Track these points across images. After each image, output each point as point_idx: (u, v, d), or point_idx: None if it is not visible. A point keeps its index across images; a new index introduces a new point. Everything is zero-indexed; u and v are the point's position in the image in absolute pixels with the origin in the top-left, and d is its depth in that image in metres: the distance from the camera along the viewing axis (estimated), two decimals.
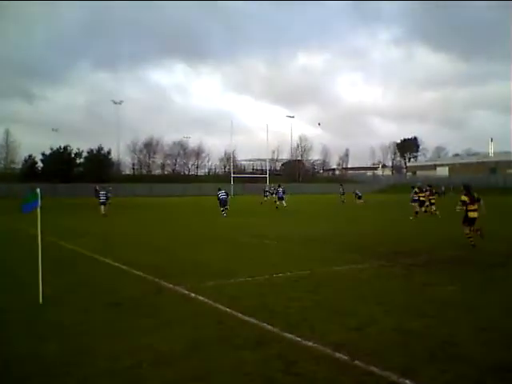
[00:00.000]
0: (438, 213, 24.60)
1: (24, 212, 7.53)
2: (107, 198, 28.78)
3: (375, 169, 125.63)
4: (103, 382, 4.36)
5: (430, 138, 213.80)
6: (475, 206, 13.25)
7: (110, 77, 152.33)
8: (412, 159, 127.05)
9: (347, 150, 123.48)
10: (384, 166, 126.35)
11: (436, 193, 30.75)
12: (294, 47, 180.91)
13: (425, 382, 4.21)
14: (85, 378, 4.45)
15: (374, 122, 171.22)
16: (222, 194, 26.92)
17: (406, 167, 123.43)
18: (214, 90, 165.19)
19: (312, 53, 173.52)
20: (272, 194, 40.40)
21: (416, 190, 25.63)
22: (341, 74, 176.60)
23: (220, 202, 26.87)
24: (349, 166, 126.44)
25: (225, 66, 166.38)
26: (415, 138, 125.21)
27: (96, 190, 29.88)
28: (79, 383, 4.34)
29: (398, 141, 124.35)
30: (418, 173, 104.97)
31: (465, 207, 13.33)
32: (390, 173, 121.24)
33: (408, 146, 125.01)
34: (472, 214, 13.24)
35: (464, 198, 13.30)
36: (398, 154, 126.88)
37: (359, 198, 40.96)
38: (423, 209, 25.53)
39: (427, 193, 26.09)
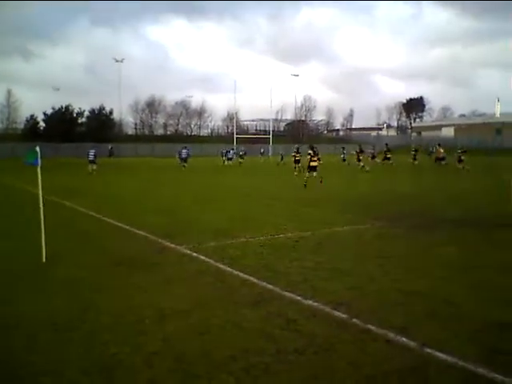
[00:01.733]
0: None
1: (26, 164, 7.56)
2: (95, 157, 29.77)
3: (380, 129, 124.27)
4: (108, 336, 4.47)
5: (437, 98, 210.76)
6: (315, 159, 20.98)
7: (110, 34, 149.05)
8: (417, 119, 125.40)
9: (352, 110, 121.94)
10: (389, 127, 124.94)
11: (362, 151, 33.38)
12: (298, 1, 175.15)
13: (422, 339, 4.29)
14: (90, 332, 4.57)
15: (380, 81, 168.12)
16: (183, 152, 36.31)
17: (412, 128, 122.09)
18: (216, 47, 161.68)
19: (317, 7, 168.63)
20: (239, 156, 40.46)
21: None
22: (346, 31, 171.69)
23: (180, 159, 36.10)
24: (353, 126, 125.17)
25: (227, 21, 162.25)
26: (421, 98, 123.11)
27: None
28: (85, 337, 4.46)
29: (404, 101, 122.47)
30: (423, 133, 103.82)
31: (309, 158, 20.97)
32: (395, 133, 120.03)
33: (414, 106, 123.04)
34: (313, 164, 20.96)
35: (310, 152, 21.11)
36: (404, 114, 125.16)
37: (373, 157, 36.94)
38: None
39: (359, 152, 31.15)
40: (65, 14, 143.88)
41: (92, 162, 29.22)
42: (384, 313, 5.05)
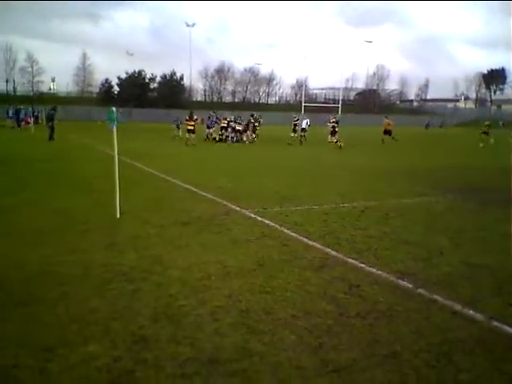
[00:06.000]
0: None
1: (110, 129, 7.90)
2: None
3: (457, 101, 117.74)
4: (175, 289, 4.69)
5: None
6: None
7: None
8: (498, 92, 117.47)
9: (427, 80, 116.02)
10: (467, 99, 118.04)
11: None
12: None
13: (489, 313, 4.15)
14: (158, 284, 4.80)
15: (458, 49, 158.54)
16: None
17: (491, 100, 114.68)
18: (284, 10, 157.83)
19: None
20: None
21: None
22: None
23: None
24: (428, 97, 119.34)
25: None
26: (503, 69, 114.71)
27: (210, 116, 30.82)
28: (154, 288, 4.70)
29: (485, 71, 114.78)
30: (504, 107, 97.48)
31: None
32: (473, 106, 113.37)
33: (495, 78, 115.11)
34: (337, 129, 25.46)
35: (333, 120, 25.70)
36: (484, 85, 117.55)
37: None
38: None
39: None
40: None
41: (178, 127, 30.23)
42: (451, 285, 4.92)
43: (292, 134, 28.93)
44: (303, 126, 29.56)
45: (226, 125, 28.59)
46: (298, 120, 30.28)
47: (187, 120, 25.37)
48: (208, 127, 29.86)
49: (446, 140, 36.80)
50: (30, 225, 7.20)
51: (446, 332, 3.84)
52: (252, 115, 30.91)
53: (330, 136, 26.01)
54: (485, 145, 29.04)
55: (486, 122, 32.59)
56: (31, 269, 5.21)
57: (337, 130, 25.95)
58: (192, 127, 24.93)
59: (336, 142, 25.22)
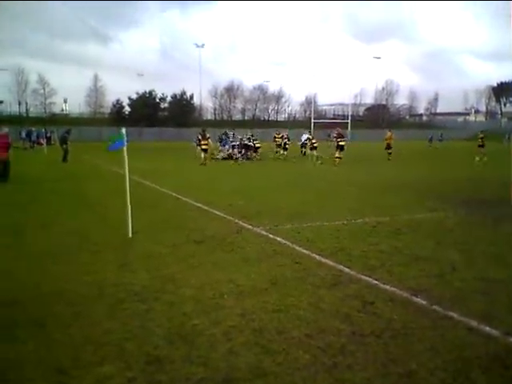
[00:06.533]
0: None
1: (109, 150, 8.01)
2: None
3: (467, 114, 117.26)
4: (188, 307, 4.70)
5: None
6: (344, 139, 24.94)
7: (180, 16, 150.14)
8: (508, 104, 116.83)
9: (436, 94, 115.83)
10: (477, 112, 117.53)
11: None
12: None
13: (504, 328, 4.10)
14: (171, 303, 4.81)
15: (467, 62, 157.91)
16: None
17: (502, 113, 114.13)
18: (292, 26, 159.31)
19: None
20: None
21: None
22: (428, 6, 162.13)
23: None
24: (438, 111, 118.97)
25: None
26: None
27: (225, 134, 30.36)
28: (167, 307, 4.71)
29: (495, 84, 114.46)
30: None
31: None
32: (484, 119, 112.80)
33: (505, 90, 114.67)
34: (341, 143, 24.57)
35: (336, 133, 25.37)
36: (494, 98, 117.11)
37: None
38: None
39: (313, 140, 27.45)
40: None
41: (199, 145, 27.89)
42: (466, 301, 4.86)
43: (281, 151, 28.81)
44: (303, 141, 29.79)
45: (238, 143, 28.65)
46: (281, 135, 29.66)
47: (201, 139, 25.01)
48: (223, 145, 29.77)
49: (447, 154, 36.51)
50: (43, 244, 7.29)
51: (462, 349, 3.79)
52: (251, 135, 30.44)
53: (337, 151, 24.69)
54: (481, 158, 27.33)
55: (480, 135, 30.05)
56: (46, 289, 5.26)
57: (343, 144, 24.86)
58: (206, 146, 24.63)
59: (339, 157, 24.39)
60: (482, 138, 29.69)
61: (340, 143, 24.80)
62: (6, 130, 16.29)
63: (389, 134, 29.18)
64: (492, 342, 3.91)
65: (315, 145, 26.99)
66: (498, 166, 21.64)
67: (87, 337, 4.05)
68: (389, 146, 28.38)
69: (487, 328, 4.16)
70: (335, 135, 25.87)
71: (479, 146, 29.18)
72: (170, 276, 5.71)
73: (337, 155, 24.52)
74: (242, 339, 4.00)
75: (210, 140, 25.74)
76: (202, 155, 24.32)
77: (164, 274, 5.81)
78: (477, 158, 27.36)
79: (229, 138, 30.46)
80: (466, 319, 4.36)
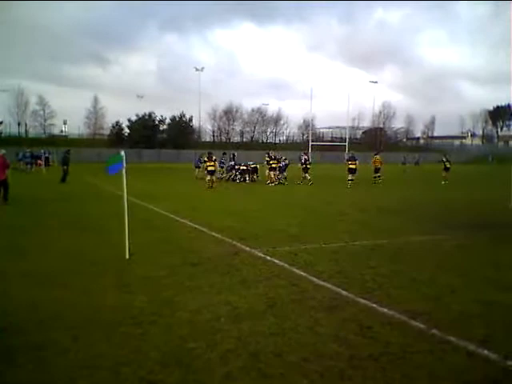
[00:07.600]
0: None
1: (109, 173, 8.03)
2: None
3: (464, 138, 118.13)
4: (185, 330, 4.66)
5: None
6: (355, 162, 25.43)
7: (179, 40, 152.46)
8: (505, 128, 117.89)
9: (433, 118, 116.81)
10: (473, 135, 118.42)
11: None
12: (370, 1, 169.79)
13: (503, 352, 4.07)
14: (168, 326, 4.78)
15: (463, 86, 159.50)
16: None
17: (498, 136, 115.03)
18: (291, 52, 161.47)
19: (389, 7, 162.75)
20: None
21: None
22: (423, 31, 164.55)
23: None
24: (435, 134, 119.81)
25: (295, 24, 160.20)
26: (509, 106, 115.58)
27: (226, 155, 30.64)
28: (163, 331, 4.67)
29: (491, 108, 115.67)
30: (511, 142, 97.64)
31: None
32: (480, 142, 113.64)
33: (501, 114, 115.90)
34: (352, 166, 25.26)
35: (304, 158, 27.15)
36: (490, 122, 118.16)
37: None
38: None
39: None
40: (133, 19, 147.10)
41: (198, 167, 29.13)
42: (464, 324, 4.84)
43: (272, 174, 27.17)
44: (302, 162, 29.74)
45: (238, 166, 28.70)
46: (270, 157, 27.74)
47: (206, 161, 24.61)
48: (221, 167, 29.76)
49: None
50: (42, 266, 7.25)
51: (461, 374, 3.75)
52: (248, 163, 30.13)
53: (349, 175, 25.09)
54: (447, 181, 27.31)
55: (443, 158, 29.35)
56: (44, 311, 5.22)
57: (308, 166, 27.20)
58: (213, 167, 24.29)
59: (306, 178, 26.43)
60: (444, 161, 29.23)
61: (351, 166, 25.49)
62: (3, 151, 16.33)
63: (377, 157, 29.04)
64: (491, 366, 3.89)
65: (308, 166, 27.43)
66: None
67: (84, 361, 4.01)
68: (377, 170, 28.34)
69: (486, 352, 4.13)
70: (304, 158, 27.50)
71: (444, 169, 28.58)
72: (167, 299, 5.67)
73: (349, 178, 25.16)
74: (238, 363, 3.96)
75: (216, 162, 25.52)
76: (208, 177, 23.78)
77: (161, 296, 5.77)
78: (442, 182, 27.32)
79: (227, 159, 30.62)
80: (464, 343, 4.33)
